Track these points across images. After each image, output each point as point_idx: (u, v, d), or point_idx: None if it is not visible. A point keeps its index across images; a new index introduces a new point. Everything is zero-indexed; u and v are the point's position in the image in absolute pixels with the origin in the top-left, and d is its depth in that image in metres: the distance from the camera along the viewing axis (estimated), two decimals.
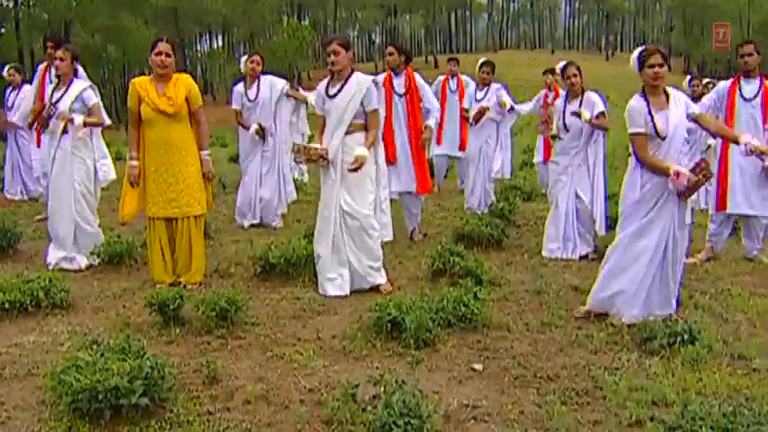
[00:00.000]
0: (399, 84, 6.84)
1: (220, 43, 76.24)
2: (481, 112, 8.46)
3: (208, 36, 72.84)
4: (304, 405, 3.41)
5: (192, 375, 3.72)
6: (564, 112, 6.42)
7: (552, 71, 10.27)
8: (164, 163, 5.19)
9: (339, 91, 5.15)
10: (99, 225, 6.12)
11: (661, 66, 4.48)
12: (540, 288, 5.37)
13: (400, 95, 6.82)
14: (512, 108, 8.65)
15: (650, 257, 4.55)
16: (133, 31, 46.91)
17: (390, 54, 6.89)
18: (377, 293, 5.20)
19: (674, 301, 4.68)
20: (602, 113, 6.27)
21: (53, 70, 8.03)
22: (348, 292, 5.20)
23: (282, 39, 48.16)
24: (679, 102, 4.58)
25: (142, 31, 47.79)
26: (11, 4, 45.01)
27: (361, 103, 5.14)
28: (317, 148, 5.12)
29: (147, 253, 5.87)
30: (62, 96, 5.80)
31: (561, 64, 6.63)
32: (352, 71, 5.22)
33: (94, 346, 3.61)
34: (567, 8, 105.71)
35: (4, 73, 9.55)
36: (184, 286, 5.23)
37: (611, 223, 6.00)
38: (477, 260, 5.47)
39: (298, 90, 8.81)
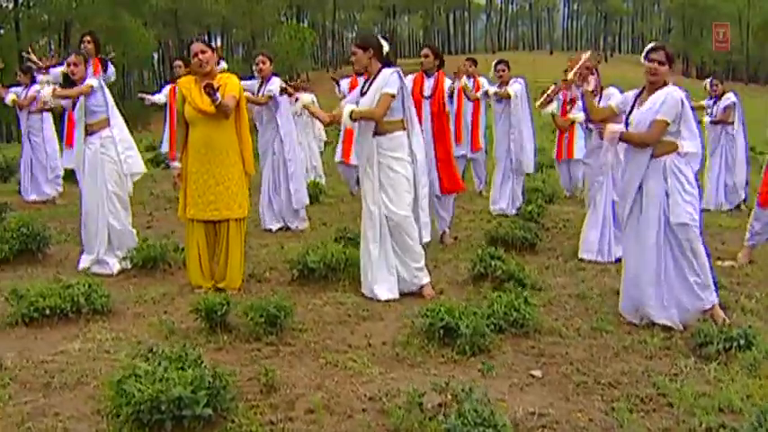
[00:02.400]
0: (429, 86, 6.84)
1: (219, 44, 76.16)
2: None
3: (207, 37, 72.73)
4: (367, 414, 3.34)
5: (247, 384, 3.64)
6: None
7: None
8: (204, 164, 5.10)
9: (368, 89, 5.14)
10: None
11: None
12: (582, 292, 5.30)
13: (427, 98, 6.81)
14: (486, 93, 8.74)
15: None
16: (133, 31, 46.76)
17: (426, 56, 6.83)
18: (420, 298, 5.14)
19: None
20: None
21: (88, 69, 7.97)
22: (398, 296, 5.13)
23: (284, 40, 48.13)
24: None
25: (141, 31, 47.67)
26: (10, 5, 44.81)
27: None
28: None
29: (181, 257, 5.81)
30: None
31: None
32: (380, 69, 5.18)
33: (149, 355, 3.52)
34: (566, 9, 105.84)
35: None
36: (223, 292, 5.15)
37: None
38: (519, 264, 5.39)
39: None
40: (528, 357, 4.07)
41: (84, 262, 5.78)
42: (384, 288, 5.12)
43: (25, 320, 4.46)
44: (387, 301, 5.08)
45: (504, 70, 8.59)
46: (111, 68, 8.12)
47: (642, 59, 4.58)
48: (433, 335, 4.14)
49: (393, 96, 5.04)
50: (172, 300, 5.06)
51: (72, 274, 5.70)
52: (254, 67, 7.62)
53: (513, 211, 8.37)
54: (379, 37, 5.35)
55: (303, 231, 7.56)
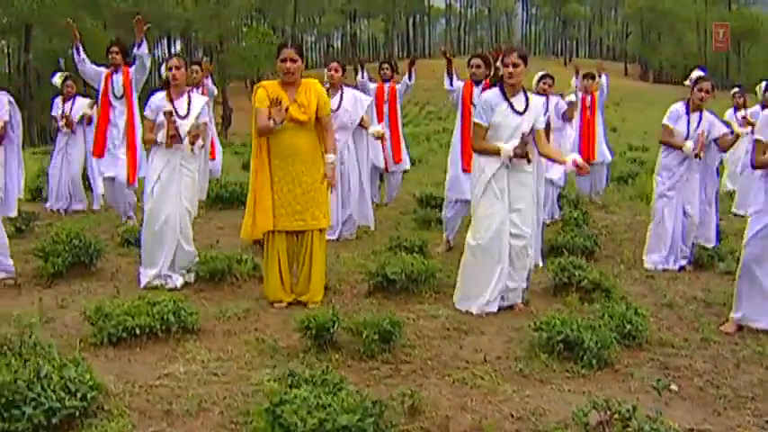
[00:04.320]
0: (478, 94, 6.67)
1: (178, 47, 74.89)
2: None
3: (167, 40, 71.54)
4: None
5: None
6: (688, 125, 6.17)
7: (593, 76, 10.10)
8: (290, 173, 4.86)
9: (526, 109, 4.87)
10: None
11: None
12: (669, 301, 5.24)
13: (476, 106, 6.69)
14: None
15: None
16: (93, 34, 45.68)
17: (477, 66, 6.63)
18: (509, 310, 5.00)
19: None
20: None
21: (117, 78, 7.65)
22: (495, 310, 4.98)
23: (252, 44, 47.37)
24: None
25: (102, 35, 46.59)
26: None
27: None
28: None
29: (245, 269, 5.57)
30: (188, 112, 5.42)
31: (696, 74, 6.35)
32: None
33: (290, 378, 3.32)
34: (524, 14, 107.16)
35: (55, 80, 9.06)
36: (305, 305, 4.96)
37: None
38: (603, 273, 5.30)
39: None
40: (653, 370, 3.97)
41: (147, 277, 5.47)
42: (492, 308, 4.93)
43: (111, 340, 4.19)
44: (487, 314, 4.92)
45: (550, 85, 8.37)
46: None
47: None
48: (552, 348, 4.02)
49: None
50: (257, 316, 4.81)
51: (130, 288, 5.43)
52: (325, 75, 7.33)
53: (549, 220, 8.34)
54: None
55: (349, 240, 7.35)
